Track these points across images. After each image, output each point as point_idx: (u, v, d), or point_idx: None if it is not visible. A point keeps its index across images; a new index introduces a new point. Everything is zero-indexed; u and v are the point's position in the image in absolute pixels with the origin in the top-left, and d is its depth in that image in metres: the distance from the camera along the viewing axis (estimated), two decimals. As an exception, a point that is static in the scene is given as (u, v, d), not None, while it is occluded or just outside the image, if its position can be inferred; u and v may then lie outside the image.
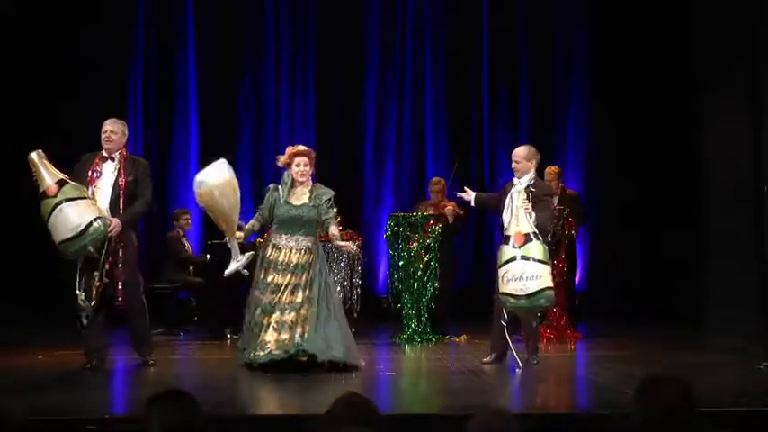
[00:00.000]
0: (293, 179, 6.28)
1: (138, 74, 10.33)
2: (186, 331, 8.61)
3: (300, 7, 10.63)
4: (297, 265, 6.12)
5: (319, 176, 6.54)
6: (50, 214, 5.66)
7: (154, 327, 6.63)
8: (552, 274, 6.43)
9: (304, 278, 6.10)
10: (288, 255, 6.15)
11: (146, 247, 6.27)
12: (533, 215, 6.09)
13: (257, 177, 9.84)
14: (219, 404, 4.75)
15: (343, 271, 8.26)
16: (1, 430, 2.65)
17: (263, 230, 6.77)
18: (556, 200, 7.94)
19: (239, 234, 6.14)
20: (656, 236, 10.02)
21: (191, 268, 8.96)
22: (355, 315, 8.12)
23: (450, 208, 8.22)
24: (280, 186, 6.31)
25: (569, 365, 7.05)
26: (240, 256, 6.15)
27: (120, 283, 5.91)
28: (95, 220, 5.71)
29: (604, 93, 10.45)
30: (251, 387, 5.70)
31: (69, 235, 5.64)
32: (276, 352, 5.91)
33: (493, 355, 6.36)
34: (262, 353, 5.94)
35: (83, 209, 5.71)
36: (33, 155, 5.76)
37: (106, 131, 6.09)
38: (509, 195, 6.27)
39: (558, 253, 7.83)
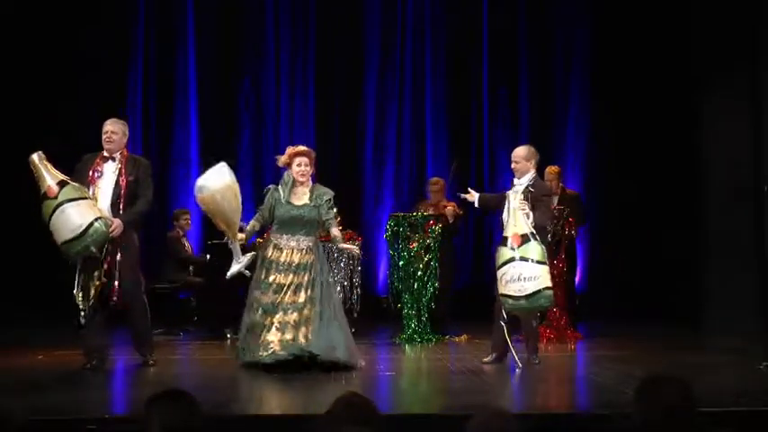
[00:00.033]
0: (294, 179, 6.28)
1: (138, 74, 10.33)
2: (186, 331, 8.61)
3: (300, 7, 10.63)
4: (298, 264, 6.12)
5: (319, 176, 6.54)
6: (52, 215, 5.66)
7: (154, 327, 6.63)
8: (552, 273, 6.44)
9: (306, 278, 6.10)
10: (289, 255, 6.15)
11: (146, 247, 6.25)
12: (531, 215, 6.09)
13: (257, 177, 9.84)
14: (219, 404, 4.75)
15: (343, 271, 8.25)
16: (1, 430, 2.65)
17: (263, 231, 6.77)
18: (556, 200, 7.95)
19: (241, 236, 6.15)
20: (656, 236, 10.02)
21: (191, 268, 8.96)
22: (355, 315, 8.12)
23: (450, 208, 8.22)
24: (280, 187, 6.31)
25: (569, 365, 7.05)
26: (242, 257, 6.16)
27: (116, 282, 5.90)
28: (96, 220, 5.71)
29: (604, 93, 10.45)
30: (251, 387, 5.69)
31: (71, 236, 5.64)
32: (281, 353, 5.91)
33: (493, 355, 6.37)
34: (265, 353, 5.93)
35: (84, 209, 5.71)
36: (34, 156, 5.76)
37: (107, 132, 6.09)
38: (507, 196, 6.28)
39: (558, 253, 7.83)
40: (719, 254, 8.60)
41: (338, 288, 7.72)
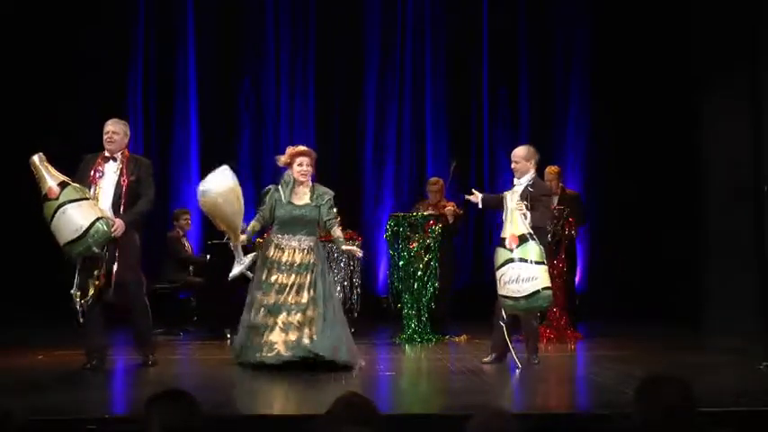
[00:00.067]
0: (295, 179, 6.28)
1: (138, 74, 10.33)
2: (186, 331, 8.61)
3: (300, 7, 10.63)
4: (300, 264, 6.13)
5: (319, 176, 6.54)
6: (53, 217, 5.66)
7: (154, 327, 6.62)
8: (552, 273, 6.43)
9: (308, 278, 6.10)
10: (291, 255, 6.15)
11: (146, 247, 6.25)
12: (528, 216, 6.09)
13: (257, 177, 9.84)
14: (219, 404, 4.75)
15: (343, 271, 8.26)
16: (1, 430, 2.65)
17: (263, 231, 6.77)
18: (556, 200, 7.95)
19: (243, 237, 6.15)
20: (656, 236, 10.02)
21: (191, 268, 8.96)
22: (355, 315, 8.14)
23: (450, 208, 8.22)
24: (280, 187, 6.31)
25: (569, 365, 7.05)
26: (244, 258, 6.16)
27: (113, 281, 5.90)
28: (98, 220, 5.71)
29: (604, 93, 10.45)
30: (251, 387, 5.69)
31: (73, 236, 5.65)
32: (285, 354, 5.91)
33: (493, 355, 6.37)
34: (270, 354, 5.93)
35: (85, 210, 5.72)
36: (35, 158, 5.76)
37: (108, 132, 6.09)
38: (504, 197, 6.28)
39: (558, 253, 7.83)
40: (719, 254, 8.60)
41: (338, 288, 7.73)
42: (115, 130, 6.10)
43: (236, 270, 6.19)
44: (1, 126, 9.18)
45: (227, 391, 5.42)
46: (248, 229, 6.23)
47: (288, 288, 6.07)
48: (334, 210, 6.36)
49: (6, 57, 9.22)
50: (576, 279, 8.71)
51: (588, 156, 10.63)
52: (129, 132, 6.25)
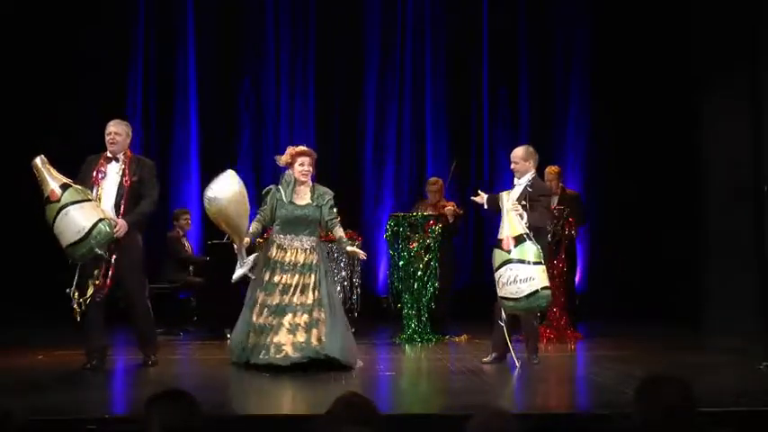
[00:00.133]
0: (296, 179, 6.28)
1: (138, 74, 10.33)
2: (186, 331, 8.61)
3: (300, 7, 10.63)
4: (303, 264, 6.13)
5: (319, 176, 6.55)
6: (55, 218, 5.66)
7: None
8: (552, 273, 6.43)
9: (312, 279, 6.10)
10: (294, 255, 6.16)
11: (146, 246, 6.25)
12: (525, 216, 6.09)
13: (257, 177, 9.84)
14: (219, 404, 4.75)
15: (344, 271, 8.26)
16: (1, 430, 2.65)
17: (263, 231, 6.77)
18: (556, 200, 7.95)
19: (246, 240, 6.15)
20: (656, 236, 10.02)
21: (191, 268, 8.97)
22: (355, 315, 8.14)
23: (450, 208, 8.22)
24: (280, 187, 6.31)
25: (569, 365, 7.05)
26: (247, 259, 6.16)
27: (109, 281, 5.89)
28: (100, 221, 5.71)
29: (604, 93, 10.45)
30: (251, 387, 5.69)
31: (75, 238, 5.65)
32: (294, 355, 5.91)
33: (493, 355, 6.37)
34: (279, 355, 5.92)
35: (87, 211, 5.71)
36: (37, 160, 5.76)
37: (110, 133, 6.09)
38: (500, 197, 6.28)
39: (558, 253, 7.83)
40: (719, 254, 8.60)
41: (338, 288, 7.73)
42: (117, 131, 6.10)
43: (239, 272, 6.19)
44: (1, 126, 9.18)
45: (227, 391, 5.42)
46: (251, 231, 6.22)
47: (292, 288, 6.07)
48: (335, 210, 6.37)
49: (6, 57, 9.22)
50: (576, 279, 8.71)
51: (588, 156, 10.63)
52: (131, 133, 6.27)
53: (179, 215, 9.02)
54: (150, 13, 10.40)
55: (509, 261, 5.93)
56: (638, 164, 10.10)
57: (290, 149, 6.33)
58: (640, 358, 6.69)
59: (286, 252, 6.16)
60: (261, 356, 5.97)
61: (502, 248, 5.99)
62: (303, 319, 6.00)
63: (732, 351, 6.82)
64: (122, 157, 6.08)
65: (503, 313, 6.17)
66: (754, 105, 8.29)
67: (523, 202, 6.20)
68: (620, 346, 7.45)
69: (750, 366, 6.00)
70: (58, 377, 5.75)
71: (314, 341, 5.96)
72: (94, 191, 5.93)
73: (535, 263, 5.93)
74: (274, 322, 6.02)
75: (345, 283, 8.23)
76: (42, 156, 5.79)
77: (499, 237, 6.07)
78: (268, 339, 5.98)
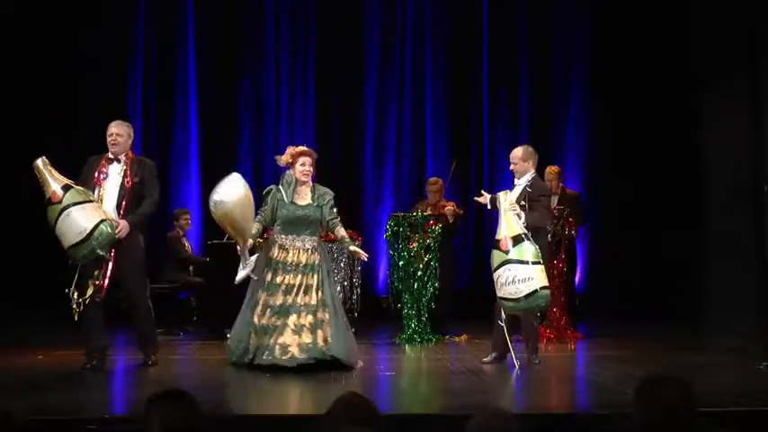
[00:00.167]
0: (296, 179, 6.27)
1: (138, 74, 10.33)
2: (186, 331, 8.61)
3: (300, 7, 10.63)
4: (306, 265, 6.13)
5: (319, 176, 6.55)
6: (57, 220, 5.66)
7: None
8: (552, 273, 6.42)
9: (315, 279, 6.11)
10: (296, 255, 6.15)
11: (146, 247, 6.24)
12: (522, 216, 6.09)
13: (257, 177, 9.84)
14: (219, 404, 4.75)
15: (343, 271, 8.26)
16: (1, 430, 2.65)
17: (264, 231, 6.77)
18: (556, 200, 7.95)
19: (250, 241, 6.15)
20: (656, 236, 10.02)
21: (191, 268, 8.97)
22: (355, 315, 8.14)
23: (450, 208, 8.22)
24: (281, 187, 6.31)
25: (569, 365, 7.05)
26: (249, 260, 6.16)
27: (108, 282, 5.89)
28: (102, 222, 5.71)
29: (604, 93, 10.45)
30: (251, 387, 5.69)
31: (77, 239, 5.65)
32: (300, 356, 5.90)
33: (494, 355, 6.37)
34: (285, 357, 5.91)
35: (89, 212, 5.72)
36: (38, 162, 5.76)
37: (112, 134, 6.09)
38: (498, 197, 6.28)
39: (558, 253, 7.83)
40: (719, 254, 8.60)
41: (338, 288, 7.73)
42: (119, 132, 6.11)
43: (242, 274, 6.18)
44: (1, 126, 9.18)
45: (227, 391, 5.42)
46: (253, 232, 6.21)
47: (296, 289, 6.06)
48: (335, 209, 6.37)
49: (6, 57, 9.22)
50: (576, 279, 8.71)
51: (588, 156, 10.63)
52: (132, 134, 6.27)
53: (179, 215, 9.02)
54: (150, 13, 10.40)
55: (507, 261, 5.93)
56: (638, 164, 10.10)
57: (291, 149, 6.33)
58: (640, 358, 6.69)
59: (288, 252, 6.16)
60: (265, 357, 5.96)
61: (500, 249, 6.00)
62: (308, 319, 6.00)
63: (732, 351, 6.82)
64: (124, 158, 6.08)
65: (503, 313, 6.17)
66: (754, 105, 8.29)
67: (522, 203, 6.21)
68: (620, 346, 7.45)
69: (750, 366, 6.00)
70: (58, 377, 5.74)
71: (320, 342, 5.96)
72: (96, 192, 5.94)
73: (534, 263, 5.93)
74: (278, 323, 6.01)
75: (345, 283, 8.23)
76: (44, 157, 5.79)
77: (497, 237, 6.08)
78: (272, 340, 5.97)
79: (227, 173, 6.18)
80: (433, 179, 8.68)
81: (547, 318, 7.70)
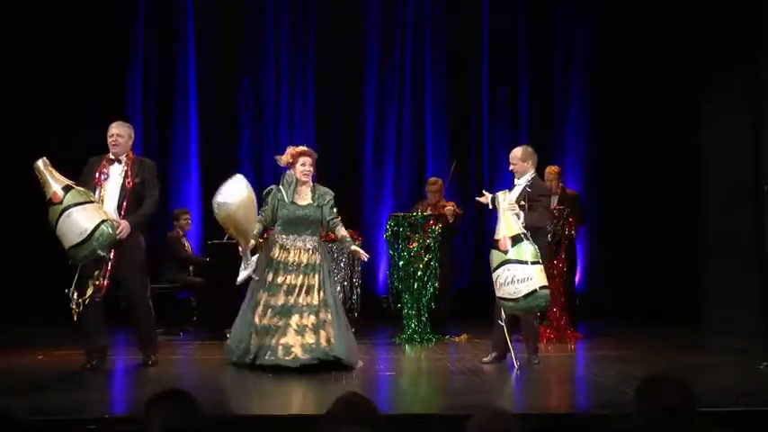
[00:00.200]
0: (297, 179, 6.27)
1: (138, 74, 10.33)
2: (186, 331, 8.61)
3: (300, 7, 10.63)
4: (307, 265, 6.13)
5: (319, 176, 6.55)
6: (58, 220, 5.66)
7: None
8: (552, 273, 6.42)
9: (317, 279, 6.10)
10: (297, 255, 6.15)
11: (146, 247, 6.24)
12: (521, 216, 6.09)
13: (257, 177, 9.83)
14: (219, 404, 4.75)
15: (343, 271, 8.26)
16: (1, 430, 2.65)
17: (264, 231, 6.77)
18: (556, 200, 7.95)
19: (252, 242, 6.15)
20: (656, 236, 10.02)
21: (191, 268, 8.97)
22: (355, 315, 8.14)
23: (450, 208, 8.22)
24: (281, 187, 6.31)
25: (569, 365, 7.05)
26: (251, 261, 6.16)
27: (108, 282, 5.89)
28: (103, 223, 5.71)
29: (604, 93, 10.45)
30: (251, 387, 5.69)
31: (78, 240, 5.65)
32: (303, 357, 5.90)
33: (493, 355, 6.37)
34: (288, 357, 5.90)
35: (90, 213, 5.72)
36: (39, 162, 5.77)
37: (113, 135, 6.10)
38: (496, 197, 6.28)
39: (558, 253, 7.83)
40: (719, 254, 8.60)
41: (338, 288, 7.73)
42: (120, 133, 6.11)
43: (244, 275, 6.18)
44: (1, 126, 9.18)
45: (227, 392, 5.42)
46: (254, 233, 6.21)
47: (297, 289, 6.06)
48: (335, 209, 6.37)
49: (6, 57, 9.22)
50: (576, 279, 8.71)
51: (588, 156, 10.63)
52: (133, 135, 6.28)
53: (179, 215, 9.02)
54: (150, 13, 10.39)
55: (507, 261, 5.94)
56: (638, 164, 10.10)
57: (291, 149, 6.33)
58: (640, 358, 6.69)
59: (289, 252, 6.16)
60: (267, 357, 5.96)
61: (499, 249, 6.00)
62: (310, 320, 6.00)
63: (732, 351, 6.82)
64: (125, 158, 6.08)
65: (503, 313, 6.17)
66: (754, 105, 8.29)
67: (522, 203, 6.21)
68: (620, 346, 7.45)
69: (750, 366, 6.00)
70: (58, 377, 5.75)
71: (323, 342, 5.96)
72: (97, 192, 5.94)
73: (533, 263, 5.93)
74: (280, 323, 6.00)
75: (345, 283, 8.24)
76: (44, 158, 5.79)
77: (496, 237, 6.08)
78: (274, 341, 5.97)
79: (228, 173, 6.19)
80: (432, 179, 8.68)
81: (547, 318, 7.70)
